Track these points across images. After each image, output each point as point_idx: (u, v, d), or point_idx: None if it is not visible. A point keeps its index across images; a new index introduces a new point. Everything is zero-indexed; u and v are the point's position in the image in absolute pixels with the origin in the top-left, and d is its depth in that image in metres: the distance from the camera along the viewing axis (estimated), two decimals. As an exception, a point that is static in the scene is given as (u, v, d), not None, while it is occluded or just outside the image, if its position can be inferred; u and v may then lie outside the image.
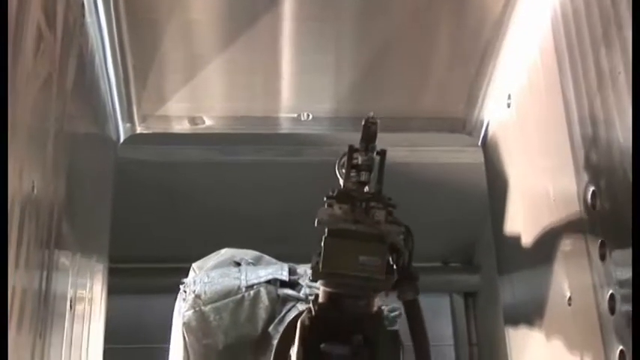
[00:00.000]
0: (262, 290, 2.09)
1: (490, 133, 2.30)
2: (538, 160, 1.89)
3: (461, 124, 2.35)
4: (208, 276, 2.14)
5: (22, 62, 1.27)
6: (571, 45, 1.66)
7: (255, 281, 2.12)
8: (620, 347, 1.41)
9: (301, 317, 1.50)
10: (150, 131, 2.34)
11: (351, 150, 1.50)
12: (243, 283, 2.11)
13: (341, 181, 1.50)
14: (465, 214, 3.46)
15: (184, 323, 2.06)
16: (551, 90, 1.78)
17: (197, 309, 2.06)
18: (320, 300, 1.50)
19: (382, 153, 1.51)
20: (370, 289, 1.48)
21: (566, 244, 1.70)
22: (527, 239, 1.98)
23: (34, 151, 1.36)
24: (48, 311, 1.48)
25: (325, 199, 1.48)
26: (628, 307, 1.39)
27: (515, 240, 2.09)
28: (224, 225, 3.19)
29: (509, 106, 2.10)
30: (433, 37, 2.12)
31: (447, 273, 4.11)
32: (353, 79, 2.24)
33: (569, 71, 1.68)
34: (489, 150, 2.32)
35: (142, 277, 3.77)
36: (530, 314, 1.98)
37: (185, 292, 2.11)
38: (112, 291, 2.36)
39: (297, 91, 2.27)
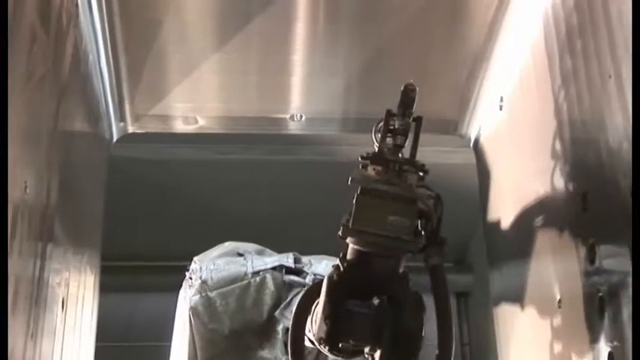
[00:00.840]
0: (268, 276, 2.11)
1: (482, 134, 2.31)
2: (529, 162, 1.90)
3: (453, 125, 2.36)
4: (214, 263, 2.16)
5: (16, 61, 1.27)
6: (562, 48, 1.67)
7: (262, 267, 2.14)
8: (609, 349, 1.42)
9: (329, 273, 1.50)
10: (143, 130, 2.34)
11: (389, 114, 1.52)
12: (250, 270, 2.13)
13: (376, 145, 1.52)
14: (457, 215, 3.43)
15: (191, 307, 2.07)
16: (543, 92, 1.78)
17: (203, 294, 2.08)
18: (348, 257, 1.51)
19: (419, 119, 1.53)
20: (398, 249, 1.48)
21: (556, 246, 1.71)
22: (518, 240, 1.99)
23: (27, 150, 1.37)
24: (40, 311, 1.48)
25: (360, 159, 1.50)
26: (617, 310, 1.40)
27: (507, 241, 2.10)
28: (217, 223, 3.19)
29: (501, 108, 2.11)
30: (427, 40, 2.13)
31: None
32: (346, 80, 2.25)
33: (560, 74, 1.69)
34: (481, 151, 2.33)
35: (135, 275, 3.77)
36: (520, 315, 1.98)
37: (191, 278, 2.12)
38: (105, 289, 2.36)
39: (289, 91, 2.28)
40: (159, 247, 3.52)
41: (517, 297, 2.01)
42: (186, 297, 2.11)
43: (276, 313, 2.08)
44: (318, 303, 1.53)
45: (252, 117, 2.37)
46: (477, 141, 2.35)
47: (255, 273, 2.12)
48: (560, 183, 1.69)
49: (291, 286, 2.12)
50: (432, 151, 3.11)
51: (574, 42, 1.60)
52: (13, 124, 1.25)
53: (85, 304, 2.05)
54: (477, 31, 2.06)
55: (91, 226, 2.18)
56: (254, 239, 2.36)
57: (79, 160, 1.91)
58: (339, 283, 1.48)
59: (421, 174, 1.51)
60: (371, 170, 1.49)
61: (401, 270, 1.51)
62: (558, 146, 1.70)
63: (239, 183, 3.31)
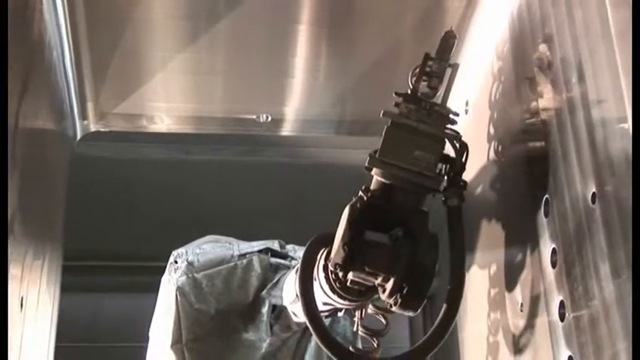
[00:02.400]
0: (255, 258, 2.15)
1: (448, 138, 2.31)
2: (494, 166, 1.91)
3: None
4: (200, 248, 2.19)
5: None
6: (528, 53, 1.67)
7: (248, 250, 2.18)
8: (569, 353, 1.43)
9: (351, 202, 1.54)
10: (107, 129, 2.33)
11: (427, 57, 1.56)
12: (236, 252, 2.18)
13: (411, 86, 1.57)
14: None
15: (178, 287, 2.10)
16: (508, 97, 1.79)
17: (190, 275, 2.12)
18: (372, 188, 1.55)
19: (455, 65, 1.59)
20: (419, 184, 1.53)
21: (519, 251, 1.72)
22: (481, 245, 2.00)
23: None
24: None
25: (394, 95, 1.56)
26: (577, 314, 1.41)
27: (471, 245, 2.11)
28: (182, 223, 3.16)
29: (466, 112, 2.11)
30: (395, 43, 2.13)
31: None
32: (313, 82, 2.24)
33: (526, 79, 1.69)
34: (447, 155, 2.33)
35: (100, 275, 3.73)
36: (483, 319, 1.99)
37: (176, 262, 2.13)
38: (69, 288, 2.34)
39: (256, 92, 2.27)
40: (125, 247, 3.50)
41: (479, 300, 2.01)
42: (171, 280, 2.12)
43: (263, 292, 2.09)
44: (324, 251, 1.59)
45: (219, 117, 2.36)
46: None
47: (242, 255, 2.16)
48: (523, 188, 1.69)
49: (277, 268, 2.15)
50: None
51: (539, 47, 1.61)
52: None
53: (46, 303, 2.03)
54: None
55: (53, 224, 2.16)
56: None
57: (40, 157, 1.89)
58: (361, 212, 1.52)
59: (451, 116, 1.56)
60: (403, 107, 1.54)
61: (422, 207, 1.56)
62: (521, 151, 1.71)
63: (206, 183, 3.30)
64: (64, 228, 2.28)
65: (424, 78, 1.55)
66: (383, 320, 1.69)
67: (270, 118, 2.33)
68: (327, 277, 1.60)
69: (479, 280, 2.01)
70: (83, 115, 2.27)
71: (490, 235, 1.91)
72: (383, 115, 1.52)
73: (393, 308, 1.53)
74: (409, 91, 1.55)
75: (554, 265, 1.52)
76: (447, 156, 1.57)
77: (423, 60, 1.55)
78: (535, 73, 1.63)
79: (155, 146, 3.13)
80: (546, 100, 1.58)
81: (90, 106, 2.25)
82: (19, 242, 1.64)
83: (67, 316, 2.35)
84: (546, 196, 1.56)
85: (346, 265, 1.50)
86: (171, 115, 2.34)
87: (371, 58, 2.20)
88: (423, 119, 1.52)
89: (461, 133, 1.62)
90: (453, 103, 2.19)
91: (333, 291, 1.58)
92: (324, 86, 2.25)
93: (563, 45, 1.49)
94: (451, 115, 1.58)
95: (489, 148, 1.95)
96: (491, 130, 1.91)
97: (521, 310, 1.69)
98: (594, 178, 1.35)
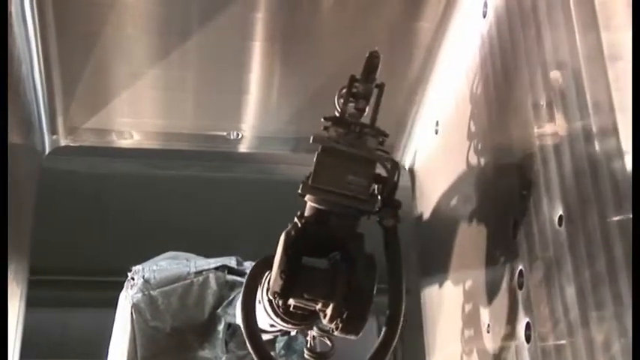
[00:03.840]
0: (211, 276, 2.15)
1: (418, 158, 2.32)
2: (462, 187, 1.92)
3: (389, 148, 2.35)
4: (157, 265, 2.18)
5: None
6: (497, 74, 1.69)
7: (205, 267, 2.17)
8: (535, 375, 1.44)
9: (286, 229, 1.52)
10: (77, 144, 2.31)
11: (352, 79, 1.54)
12: (192, 270, 2.16)
13: (338, 109, 1.55)
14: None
15: (133, 304, 2.09)
16: (476, 118, 1.81)
17: (146, 292, 2.11)
18: (306, 214, 1.54)
19: (381, 86, 1.56)
20: (354, 208, 1.51)
21: (487, 272, 1.72)
22: (450, 265, 2.00)
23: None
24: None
25: (322, 120, 1.52)
26: (543, 337, 1.42)
27: (439, 265, 2.12)
28: (152, 238, 3.15)
29: (436, 132, 2.13)
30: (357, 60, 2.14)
31: (375, 295, 4.11)
32: (282, 99, 2.24)
33: (495, 100, 1.71)
34: (417, 175, 2.34)
35: (68, 290, 3.69)
36: (451, 339, 1.99)
37: (133, 279, 2.12)
38: (36, 303, 2.32)
39: (226, 109, 2.27)
40: (94, 262, 3.47)
41: (447, 321, 2.02)
42: (128, 296, 2.11)
43: (219, 310, 2.09)
44: (269, 274, 1.57)
45: (189, 134, 2.35)
46: (412, 164, 2.36)
47: (198, 272, 2.15)
48: (491, 209, 1.70)
49: (233, 285, 2.14)
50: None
51: (508, 68, 1.63)
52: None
53: (11, 319, 2.00)
54: (415, 56, 2.08)
55: (19, 238, 2.14)
56: (192, 253, 2.35)
57: (9, 172, 1.87)
58: (296, 239, 1.50)
59: (381, 139, 1.54)
60: (332, 131, 1.51)
61: (357, 230, 1.55)
62: (489, 173, 1.72)
63: (176, 198, 3.29)
64: (32, 242, 2.26)
65: (351, 100, 1.53)
66: (328, 342, 1.68)
67: (240, 135, 2.32)
68: (270, 302, 1.60)
69: (448, 300, 2.01)
70: (52, 130, 2.26)
71: (459, 255, 1.92)
72: (312, 141, 1.50)
73: (335, 333, 1.52)
74: (337, 115, 1.53)
75: (520, 286, 1.52)
76: (380, 176, 1.56)
77: (349, 82, 1.54)
78: (504, 94, 1.64)
79: (124, 161, 3.12)
80: (516, 123, 1.59)
81: (59, 120, 2.23)
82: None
83: (34, 331, 2.32)
84: (514, 218, 1.57)
85: (284, 293, 1.49)
86: (141, 130, 2.33)
87: (338, 77, 2.20)
88: (354, 143, 1.51)
89: (392, 157, 1.62)
90: (423, 123, 2.22)
91: (277, 315, 1.58)
92: (298, 104, 2.25)
93: (531, 65, 1.50)
94: (381, 138, 1.56)
95: (458, 169, 1.96)
96: (461, 151, 1.92)
97: (488, 332, 1.69)
98: (561, 200, 1.36)
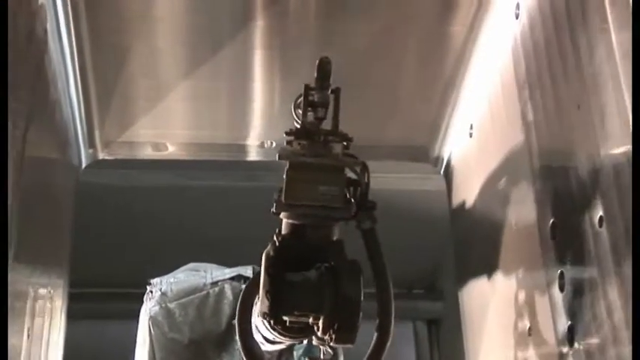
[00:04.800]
0: (227, 286, 2.15)
1: (452, 162, 2.32)
2: (499, 190, 1.91)
3: (424, 153, 2.36)
4: (174, 277, 2.20)
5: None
6: (531, 77, 1.68)
7: (220, 278, 2.18)
8: (578, 378, 1.43)
9: (266, 249, 1.52)
10: (112, 157, 2.33)
11: (307, 88, 1.53)
12: (209, 281, 2.18)
13: (297, 121, 1.53)
14: (428, 241, 3.47)
15: (151, 317, 2.10)
16: (512, 121, 1.79)
17: (163, 305, 2.12)
18: (283, 232, 1.54)
19: (337, 90, 1.55)
20: (331, 217, 1.51)
21: (526, 274, 1.71)
22: (488, 268, 1.99)
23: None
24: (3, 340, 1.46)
25: (285, 135, 1.52)
26: (586, 339, 1.40)
27: (477, 268, 2.11)
28: (186, 250, 3.17)
29: (471, 135, 2.12)
30: (398, 68, 2.14)
31: (411, 300, 4.10)
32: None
33: (530, 102, 1.69)
34: (452, 178, 2.33)
35: (104, 302, 3.73)
36: (491, 343, 1.98)
37: (151, 292, 2.13)
38: (73, 316, 2.34)
39: (260, 118, 2.27)
40: (128, 274, 3.49)
41: (488, 325, 2.01)
42: (147, 309, 2.12)
43: (234, 321, 2.09)
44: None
45: (223, 144, 2.36)
46: (447, 168, 2.36)
47: (214, 283, 2.16)
48: (529, 211, 1.69)
49: None
50: (403, 178, 3.13)
51: (542, 71, 1.62)
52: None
53: (52, 333, 2.02)
54: (448, 59, 2.07)
55: (58, 253, 2.16)
56: (223, 264, 2.35)
57: (45, 186, 1.90)
58: (276, 257, 1.50)
59: (345, 143, 1.53)
60: (297, 145, 1.50)
61: (335, 238, 1.54)
62: (527, 175, 1.70)
63: (208, 209, 3.30)
64: (71, 256, 2.28)
65: (309, 109, 1.52)
66: (330, 351, 1.67)
67: (274, 144, 2.33)
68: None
69: (487, 304, 2.00)
70: (89, 143, 2.28)
71: (497, 258, 1.90)
72: (278, 158, 1.50)
73: (331, 344, 1.51)
74: (298, 127, 1.52)
75: (562, 288, 1.51)
76: (352, 179, 1.55)
77: (305, 91, 1.53)
78: (539, 97, 1.63)
79: (159, 172, 3.14)
80: (553, 124, 1.58)
81: (96, 134, 2.25)
82: (24, 272, 1.64)
83: (73, 343, 2.34)
84: (553, 219, 1.56)
85: (273, 313, 1.48)
86: (175, 142, 2.34)
87: (375, 83, 2.20)
88: (320, 152, 1.49)
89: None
90: (457, 127, 2.22)
91: (275, 330, 1.57)
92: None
93: (566, 68, 1.49)
94: (345, 142, 1.54)
95: (494, 172, 1.95)
96: (496, 154, 1.91)
97: (530, 335, 1.68)
98: (601, 201, 1.35)
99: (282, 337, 1.58)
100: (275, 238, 1.53)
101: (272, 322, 1.51)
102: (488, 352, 2.02)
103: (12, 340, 1.54)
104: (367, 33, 2.02)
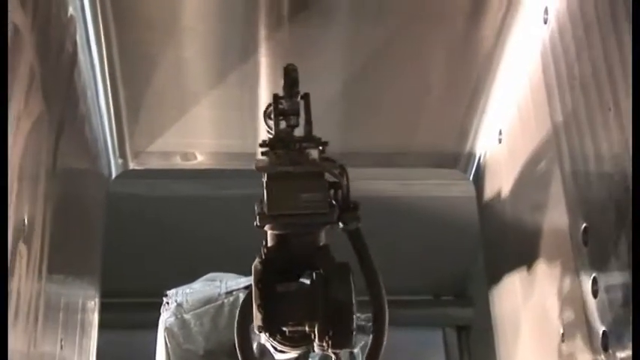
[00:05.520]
0: (241, 295, 2.14)
1: (481, 167, 2.31)
2: (529, 196, 1.90)
3: (452, 159, 2.36)
4: (191, 287, 2.19)
5: (15, 100, 1.27)
6: (561, 80, 1.67)
7: (235, 287, 2.16)
8: (613, 385, 1.41)
9: (254, 263, 1.52)
10: (142, 167, 2.34)
11: (276, 98, 1.54)
12: (223, 290, 2.15)
13: (270, 131, 1.55)
14: (457, 248, 3.46)
15: (166, 328, 2.11)
16: (542, 125, 1.78)
17: (179, 316, 2.12)
18: (269, 244, 1.53)
19: (306, 96, 1.56)
20: (316, 224, 1.51)
21: (558, 280, 1.70)
22: (519, 274, 1.98)
23: (26, 188, 1.36)
24: (37, 352, 1.47)
25: (259, 147, 1.52)
26: (622, 345, 1.39)
27: (508, 274, 2.09)
28: (215, 259, 3.18)
29: (500, 141, 2.11)
30: (425, 73, 2.13)
31: (439, 306, 4.09)
32: (344, 114, 2.25)
33: (560, 106, 1.69)
34: (481, 184, 2.32)
35: (134, 311, 3.74)
36: (523, 350, 1.97)
37: (168, 303, 2.14)
38: (103, 326, 2.35)
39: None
40: (158, 283, 3.51)
41: (519, 331, 2.00)
42: (163, 320, 2.13)
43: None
44: None
45: (250, 153, 2.36)
46: (476, 173, 2.35)
47: (229, 293, 2.15)
48: (560, 217, 1.68)
49: None
50: (432, 185, 3.13)
51: (572, 75, 1.61)
52: (12, 160, 1.25)
53: (85, 343, 2.03)
54: (476, 63, 2.06)
55: (90, 263, 2.17)
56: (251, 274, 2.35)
57: (77, 197, 1.91)
58: (264, 270, 1.50)
59: (321, 148, 1.53)
60: (272, 155, 1.50)
61: (322, 243, 1.53)
62: (558, 180, 1.69)
63: (238, 218, 3.30)
64: (102, 266, 2.29)
65: (281, 118, 1.53)
66: (333, 357, 1.66)
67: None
68: None
69: (519, 310, 1.99)
70: (120, 154, 2.29)
71: (529, 263, 1.89)
72: (256, 170, 1.50)
73: (329, 351, 1.51)
74: (272, 137, 1.53)
75: (595, 294, 1.50)
76: (332, 182, 1.54)
77: (274, 101, 1.54)
78: (569, 100, 1.62)
79: (188, 183, 3.15)
80: (583, 128, 1.57)
81: (126, 144, 2.27)
82: (57, 283, 1.65)
83: (103, 353, 2.35)
84: (585, 224, 1.55)
85: (267, 326, 1.48)
86: (204, 151, 2.35)
87: (401, 89, 2.20)
88: (297, 160, 1.49)
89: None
90: (486, 132, 2.21)
91: (277, 341, 1.57)
92: (357, 118, 2.25)
93: (596, 71, 1.48)
94: (321, 146, 1.54)
95: (524, 177, 1.94)
96: (526, 159, 1.90)
97: (563, 341, 1.67)
98: (633, 205, 1.34)
99: (286, 347, 1.58)
100: (262, 250, 1.52)
101: (268, 335, 1.50)
102: (521, 358, 2.00)
103: (46, 351, 1.55)
104: (394, 39, 2.02)
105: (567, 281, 1.64)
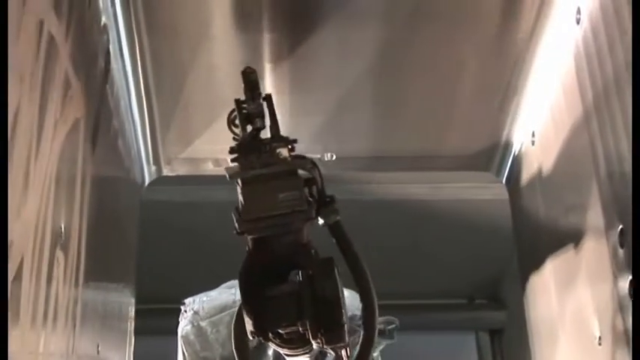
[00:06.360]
0: None
1: (514, 170, 2.29)
2: (564, 198, 1.88)
3: (485, 162, 2.34)
4: (207, 295, 2.23)
5: (51, 109, 1.28)
6: (594, 81, 1.65)
7: None
8: (652, 388, 1.39)
9: (239, 270, 1.53)
10: (174, 174, 2.35)
11: (238, 102, 1.56)
12: (238, 297, 2.15)
13: (237, 137, 1.57)
14: (490, 251, 3.45)
15: (182, 337, 2.12)
16: (576, 127, 1.77)
17: (195, 324, 2.13)
18: (251, 248, 1.54)
19: (268, 97, 1.57)
20: (296, 222, 1.51)
21: (595, 283, 1.69)
22: (555, 277, 1.97)
23: (62, 196, 1.37)
24: (75, 356, 1.48)
25: (229, 153, 1.54)
26: (660, 347, 1.38)
27: (543, 277, 2.08)
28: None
29: (533, 143, 2.10)
30: (456, 75, 2.13)
31: (473, 310, 4.08)
32: (376, 118, 2.25)
33: (594, 108, 1.67)
34: (514, 187, 2.31)
35: (167, 317, 3.75)
36: (559, 353, 1.96)
37: (185, 311, 2.14)
38: (138, 332, 2.36)
39: (320, 131, 2.28)
40: (191, 290, 3.52)
41: (555, 334, 1.98)
42: (181, 328, 2.13)
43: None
44: None
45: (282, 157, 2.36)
46: (509, 176, 2.33)
47: None
48: (596, 219, 1.66)
49: None
50: (464, 188, 3.12)
51: (606, 76, 1.59)
52: (48, 169, 1.26)
53: (121, 348, 2.05)
54: (508, 65, 2.05)
55: (125, 270, 2.19)
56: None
57: (111, 204, 1.92)
58: (248, 275, 1.51)
59: (290, 146, 1.54)
60: (243, 161, 1.52)
61: (303, 241, 1.53)
62: (593, 181, 1.68)
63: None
64: (136, 273, 2.31)
65: (246, 122, 1.54)
66: (332, 353, 1.65)
67: (335, 157, 2.33)
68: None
69: (555, 314, 1.98)
70: (154, 161, 2.31)
71: (564, 267, 1.88)
72: (229, 178, 1.51)
73: (325, 347, 1.49)
74: (240, 142, 1.54)
75: (632, 296, 1.48)
76: (306, 179, 1.55)
77: (237, 106, 1.55)
78: (604, 102, 1.61)
79: (220, 188, 3.15)
80: (618, 130, 1.55)
81: (159, 151, 2.28)
82: (93, 288, 1.67)
83: (139, 359, 2.36)
84: (621, 226, 1.53)
85: (260, 331, 1.48)
86: (236, 157, 2.35)
87: (431, 92, 2.19)
88: (269, 161, 1.51)
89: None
90: (518, 135, 2.19)
91: (280, 347, 1.57)
92: (389, 122, 2.25)
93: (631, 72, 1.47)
94: (290, 145, 1.56)
95: (558, 179, 1.93)
96: (560, 161, 1.89)
97: (600, 344, 1.65)
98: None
99: (290, 351, 1.57)
100: (247, 255, 1.53)
101: (261, 339, 1.51)
102: (557, 362, 1.99)
103: (83, 355, 1.56)
104: (425, 41, 2.01)
105: (604, 283, 1.62)
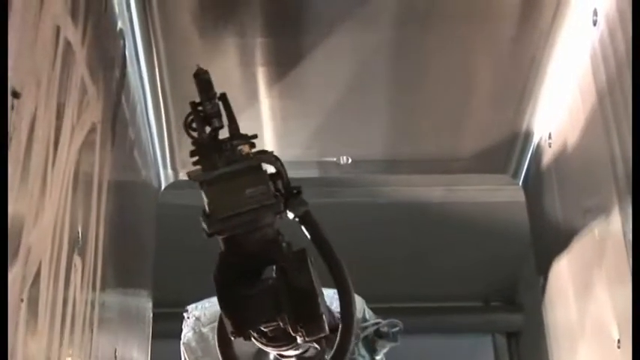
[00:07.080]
0: None
1: (531, 172, 2.29)
2: (581, 200, 1.87)
3: (501, 163, 2.33)
4: (209, 301, 2.20)
5: (68, 114, 1.29)
6: (612, 83, 1.65)
7: None
8: (672, 391, 1.39)
9: (213, 272, 1.52)
10: (189, 177, 2.35)
11: (194, 105, 1.57)
12: None
13: (194, 139, 1.57)
14: (506, 253, 3.43)
15: (184, 344, 2.12)
16: (593, 129, 1.76)
17: (197, 330, 2.12)
18: (223, 249, 1.54)
19: (223, 96, 1.58)
20: (265, 216, 1.51)
21: (613, 286, 1.68)
22: (573, 279, 1.96)
23: (79, 201, 1.38)
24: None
25: (190, 156, 1.55)
26: (680, 350, 1.37)
27: (561, 280, 2.07)
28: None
29: (550, 145, 2.09)
30: (472, 77, 2.12)
31: (489, 312, 4.06)
32: (390, 120, 2.24)
33: (611, 110, 1.66)
34: (531, 189, 2.30)
35: (182, 321, 3.76)
36: (577, 356, 1.95)
37: (188, 317, 2.15)
38: (156, 335, 2.37)
39: (335, 134, 2.28)
40: (207, 292, 3.52)
41: (573, 337, 1.97)
42: (183, 335, 2.14)
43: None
44: None
45: (300, 161, 2.37)
46: (526, 178, 2.32)
47: None
48: (614, 221, 1.66)
49: None
50: (481, 190, 3.10)
51: (624, 77, 1.58)
52: (65, 174, 1.26)
53: (139, 353, 2.05)
54: (524, 67, 2.04)
55: (143, 275, 2.19)
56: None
57: (128, 208, 1.93)
58: (223, 276, 1.50)
59: (252, 141, 1.55)
60: (206, 162, 1.52)
61: (273, 236, 1.53)
62: (610, 184, 1.67)
63: (285, 227, 3.31)
64: (154, 277, 2.31)
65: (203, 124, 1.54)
66: (317, 346, 1.65)
67: (350, 160, 2.33)
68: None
69: (573, 317, 1.97)
70: (169, 165, 2.31)
71: (582, 270, 1.87)
72: (193, 180, 1.52)
73: (307, 339, 1.49)
74: (200, 144, 1.54)
75: (652, 299, 1.47)
76: (271, 173, 1.56)
77: (192, 108, 1.56)
78: (621, 103, 1.60)
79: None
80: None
81: (176, 154, 2.29)
82: (111, 293, 1.67)
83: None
84: (639, 228, 1.52)
85: (240, 330, 1.49)
86: (251, 159, 2.35)
87: (446, 94, 2.19)
88: (231, 159, 1.51)
89: None
90: (535, 136, 2.19)
91: (266, 346, 1.56)
92: (405, 125, 2.25)
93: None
94: (251, 140, 1.57)
95: (575, 181, 1.92)
96: (577, 163, 1.88)
97: (619, 347, 1.64)
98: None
99: (278, 349, 1.58)
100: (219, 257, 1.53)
101: (243, 338, 1.51)
102: (575, 365, 1.98)
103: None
104: (441, 43, 2.01)
105: (622, 287, 1.61)
